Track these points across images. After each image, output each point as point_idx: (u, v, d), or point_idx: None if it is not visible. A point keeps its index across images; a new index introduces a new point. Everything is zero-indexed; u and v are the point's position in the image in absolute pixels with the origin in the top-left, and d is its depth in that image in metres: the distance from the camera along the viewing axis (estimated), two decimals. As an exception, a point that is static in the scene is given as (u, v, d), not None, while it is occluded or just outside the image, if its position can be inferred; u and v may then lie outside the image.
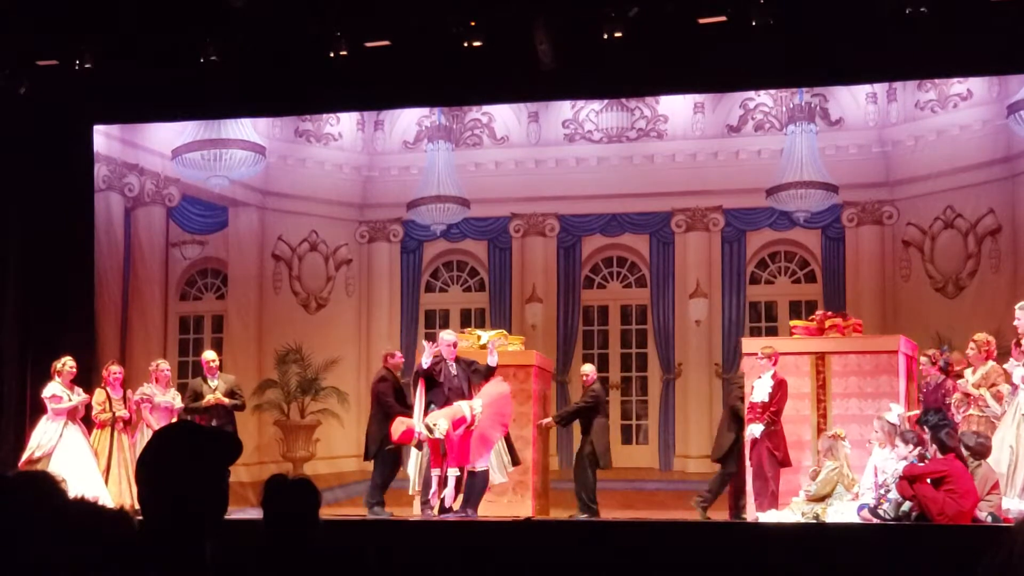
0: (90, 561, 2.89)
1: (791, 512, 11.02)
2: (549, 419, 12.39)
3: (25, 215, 13.52)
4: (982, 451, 10.24)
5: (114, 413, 12.02)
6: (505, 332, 12.81)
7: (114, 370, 12.27)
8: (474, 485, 11.36)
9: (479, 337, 12.26)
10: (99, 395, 12.07)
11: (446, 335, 11.74)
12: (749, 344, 12.09)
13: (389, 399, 11.74)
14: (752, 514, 11.17)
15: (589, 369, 12.52)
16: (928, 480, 9.86)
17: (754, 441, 11.55)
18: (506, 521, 11.34)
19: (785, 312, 14.53)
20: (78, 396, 11.89)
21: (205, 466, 2.99)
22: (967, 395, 10.90)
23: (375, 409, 11.90)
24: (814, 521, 10.66)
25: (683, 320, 14.68)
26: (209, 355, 12.75)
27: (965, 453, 10.19)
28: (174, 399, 12.39)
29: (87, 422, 12.00)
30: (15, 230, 13.51)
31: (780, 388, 11.66)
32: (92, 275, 14.20)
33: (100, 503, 3.26)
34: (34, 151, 13.46)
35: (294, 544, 4.44)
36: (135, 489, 10.19)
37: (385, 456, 11.67)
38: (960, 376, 11.20)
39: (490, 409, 11.59)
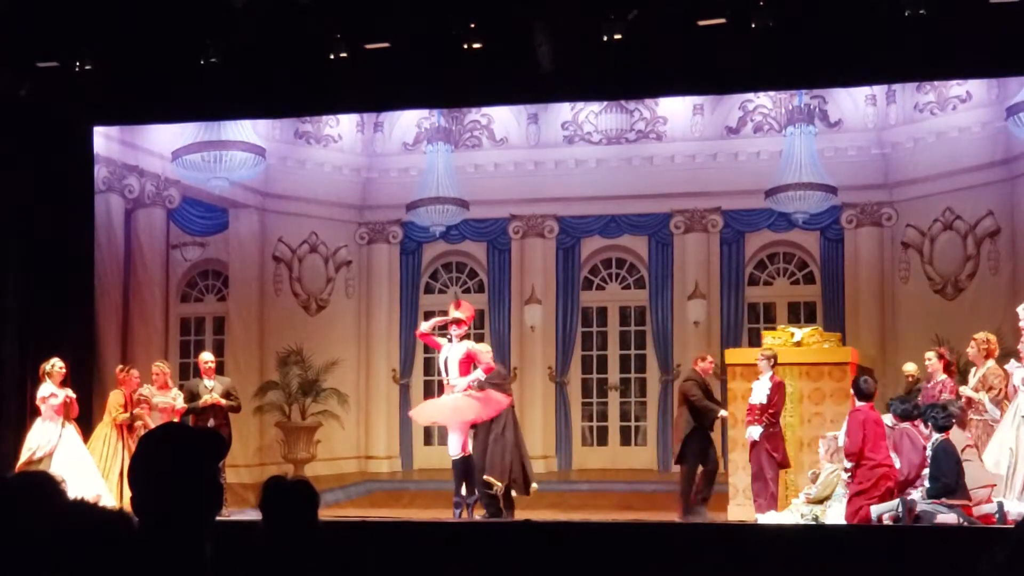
0: (90, 562, 2.91)
1: (791, 513, 11.05)
2: None
3: (25, 217, 13.52)
4: (959, 416, 10.38)
5: (132, 413, 12.18)
6: (820, 328, 12.35)
7: (134, 373, 12.47)
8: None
9: (792, 334, 11.91)
10: (117, 396, 12.25)
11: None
12: None
13: (696, 393, 11.71)
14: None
15: (912, 368, 12.20)
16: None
17: (753, 443, 11.57)
18: (506, 521, 11.35)
19: (784, 313, 14.55)
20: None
21: (192, 465, 3.00)
22: (969, 400, 10.93)
23: (681, 410, 11.92)
24: (813, 522, 10.69)
25: (682, 321, 14.69)
26: (206, 357, 12.83)
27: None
28: (175, 399, 12.47)
29: (83, 422, 12.10)
30: (15, 232, 13.52)
31: (778, 390, 11.68)
32: (92, 277, 14.20)
33: (100, 504, 3.27)
34: (34, 153, 13.47)
35: (293, 546, 4.45)
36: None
37: (697, 456, 11.66)
38: (961, 376, 11.24)
39: (481, 400, 11.64)
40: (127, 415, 12.19)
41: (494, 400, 11.68)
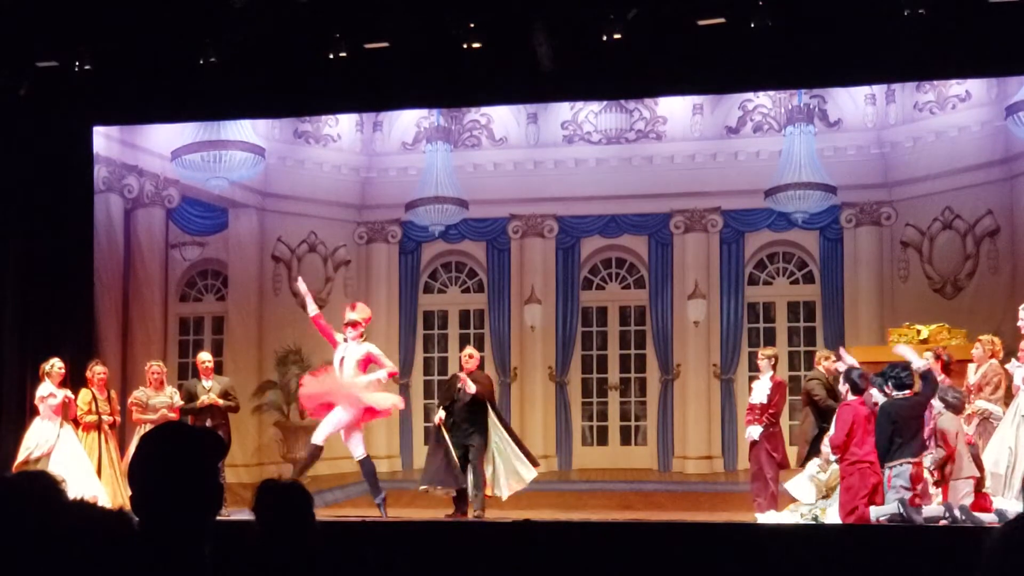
0: (89, 562, 2.91)
1: (790, 513, 11.05)
2: None
3: (24, 217, 13.52)
4: (958, 405, 10.39)
5: (99, 415, 12.09)
6: (948, 325, 12.07)
7: (98, 371, 12.36)
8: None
9: (919, 332, 11.76)
10: (84, 395, 12.17)
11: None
12: None
13: (820, 393, 11.54)
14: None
15: None
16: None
17: (753, 443, 11.57)
18: (506, 522, 11.35)
19: (783, 313, 14.56)
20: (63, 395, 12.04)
21: (192, 465, 3.00)
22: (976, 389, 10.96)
23: (806, 411, 11.74)
24: (813, 522, 10.69)
25: (681, 321, 14.69)
26: (203, 356, 12.83)
27: (940, 406, 10.36)
28: (171, 397, 12.46)
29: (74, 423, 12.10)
30: (15, 232, 13.52)
31: (779, 390, 11.69)
32: (92, 277, 14.21)
33: (99, 504, 3.26)
34: (33, 153, 13.47)
35: (288, 547, 4.45)
36: (126, 489, 10.16)
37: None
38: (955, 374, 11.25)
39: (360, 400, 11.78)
40: (93, 416, 12.12)
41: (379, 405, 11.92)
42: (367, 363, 12.08)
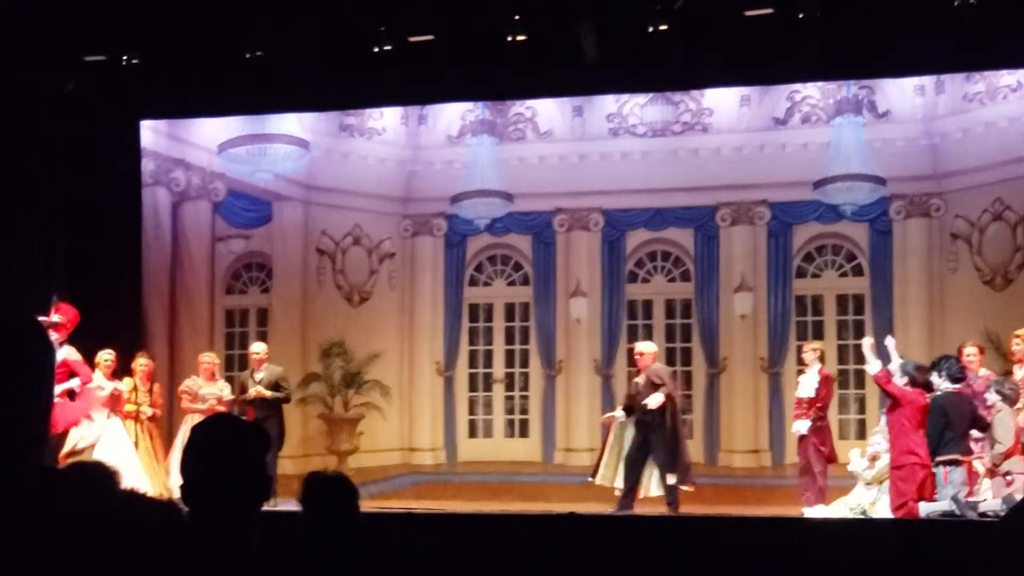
0: (140, 553, 2.91)
1: (838, 507, 10.97)
2: None
3: (73, 211, 13.64)
4: (1014, 397, 10.32)
5: (138, 405, 12.20)
6: None
7: (141, 363, 12.48)
8: None
9: None
10: (127, 384, 12.28)
11: None
12: None
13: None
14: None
15: None
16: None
17: (801, 437, 11.49)
18: (552, 514, 11.33)
19: (832, 306, 14.44)
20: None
21: (241, 457, 3.01)
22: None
23: None
24: (862, 516, 10.62)
25: (728, 314, 14.60)
26: (254, 347, 12.91)
27: (996, 399, 10.28)
28: (222, 391, 12.56)
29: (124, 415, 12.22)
30: (63, 226, 13.64)
31: (826, 384, 11.60)
32: (139, 269, 14.32)
33: (150, 495, 3.28)
34: (81, 147, 13.58)
35: (333, 538, 4.47)
36: (165, 479, 10.31)
37: None
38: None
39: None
40: (131, 406, 12.22)
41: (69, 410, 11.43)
42: (63, 369, 11.12)
